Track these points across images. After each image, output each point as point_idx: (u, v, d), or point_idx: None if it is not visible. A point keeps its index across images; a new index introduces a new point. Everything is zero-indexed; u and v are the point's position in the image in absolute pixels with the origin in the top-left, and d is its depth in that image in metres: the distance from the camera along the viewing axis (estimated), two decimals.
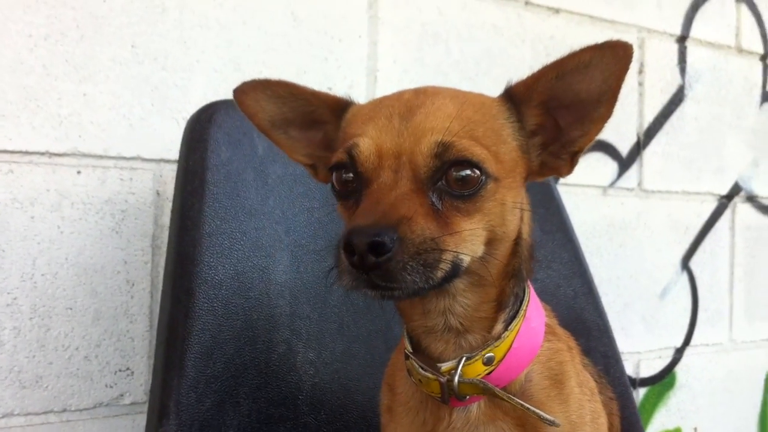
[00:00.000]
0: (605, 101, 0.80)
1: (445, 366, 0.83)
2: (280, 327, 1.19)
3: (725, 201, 2.33)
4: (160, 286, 1.35)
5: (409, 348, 0.87)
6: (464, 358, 0.83)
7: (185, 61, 1.46)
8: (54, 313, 1.36)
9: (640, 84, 2.12)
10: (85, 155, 1.39)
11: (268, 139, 0.93)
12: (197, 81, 1.47)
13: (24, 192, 1.34)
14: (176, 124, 1.41)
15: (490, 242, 0.80)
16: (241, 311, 1.15)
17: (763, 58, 2.41)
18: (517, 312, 0.85)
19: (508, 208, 0.80)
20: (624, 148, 2.10)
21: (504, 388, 0.83)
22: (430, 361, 0.85)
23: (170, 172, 1.44)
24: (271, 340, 1.18)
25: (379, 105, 0.83)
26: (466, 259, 0.77)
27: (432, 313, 0.84)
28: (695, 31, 2.24)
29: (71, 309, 1.38)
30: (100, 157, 1.40)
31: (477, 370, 0.83)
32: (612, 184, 2.08)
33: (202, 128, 1.19)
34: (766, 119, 2.43)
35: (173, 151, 1.37)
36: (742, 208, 2.38)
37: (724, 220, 2.34)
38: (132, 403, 1.43)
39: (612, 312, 2.05)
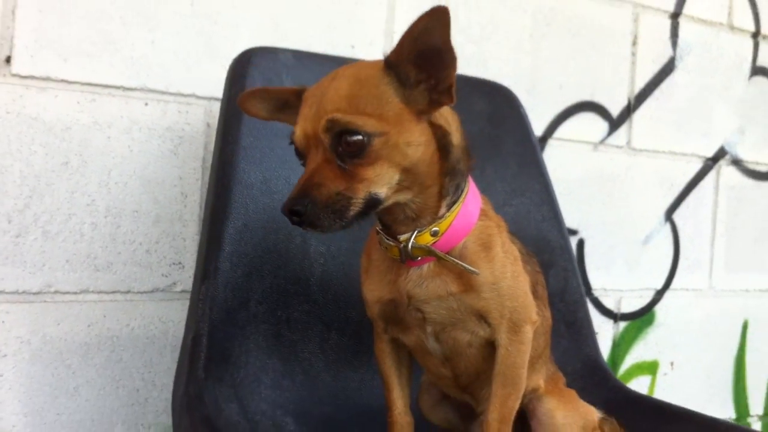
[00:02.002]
0: (446, 49, 1.04)
1: (403, 237, 1.14)
2: None
3: (710, 163, 2.58)
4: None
5: (380, 227, 1.19)
6: (416, 231, 1.13)
7: (233, 18, 1.78)
8: (123, 214, 1.69)
9: (633, 54, 2.39)
10: (151, 90, 1.71)
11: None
12: (242, 34, 1.79)
13: (103, 117, 1.67)
14: (223, 69, 1.67)
15: (406, 170, 1.08)
16: (268, 208, 1.49)
17: (754, 35, 2.64)
18: (457, 199, 1.15)
19: (404, 146, 1.07)
20: (615, 110, 2.37)
21: (447, 253, 1.14)
22: (394, 235, 1.16)
23: (218, 109, 1.73)
24: (290, 232, 1.52)
25: (309, 92, 1.11)
26: (382, 192, 1.06)
27: (396, 212, 1.14)
28: (688, 9, 2.48)
29: (137, 212, 1.71)
30: (163, 93, 1.73)
31: (426, 239, 1.13)
32: (602, 141, 2.35)
33: (242, 67, 1.53)
34: (755, 91, 2.67)
35: (221, 91, 1.65)
36: (726, 170, 2.63)
37: (709, 179, 2.58)
38: (182, 291, 1.76)
39: (597, 253, 2.35)
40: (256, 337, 1.45)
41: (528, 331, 1.18)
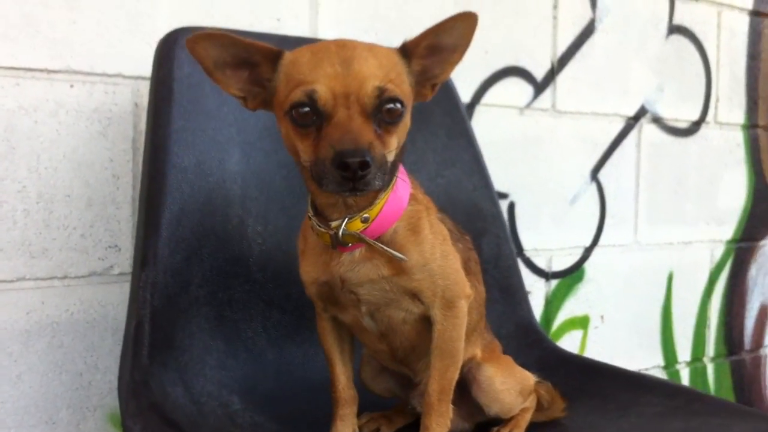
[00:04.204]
0: (459, 50, 1.16)
1: (334, 223, 1.16)
2: (233, 204, 1.54)
3: (632, 122, 2.66)
4: (139, 180, 1.68)
5: (311, 212, 1.21)
6: (347, 218, 1.16)
7: None
8: (55, 199, 1.67)
9: (555, 18, 2.43)
10: (75, 72, 1.68)
11: None
12: (164, 11, 1.76)
13: (28, 101, 1.63)
14: (148, 47, 1.67)
15: (397, 147, 1.13)
16: (203, 191, 1.49)
17: None
18: (388, 185, 1.17)
19: (406, 125, 1.14)
20: (539, 74, 2.42)
21: (378, 239, 1.17)
22: (326, 221, 1.18)
23: (145, 88, 1.72)
24: (227, 214, 1.53)
25: (316, 54, 1.10)
26: (390, 161, 1.10)
27: (337, 196, 1.15)
28: None
29: (69, 196, 1.68)
30: (88, 74, 1.69)
31: (357, 226, 1.16)
32: (528, 105, 2.40)
33: (169, 48, 1.51)
34: (671, 49, 2.75)
35: (147, 69, 1.64)
36: (647, 128, 2.71)
37: (631, 138, 2.66)
38: (120, 273, 1.75)
39: (525, 214, 2.42)
40: (199, 320, 1.47)
41: (462, 306, 1.23)
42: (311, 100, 1.06)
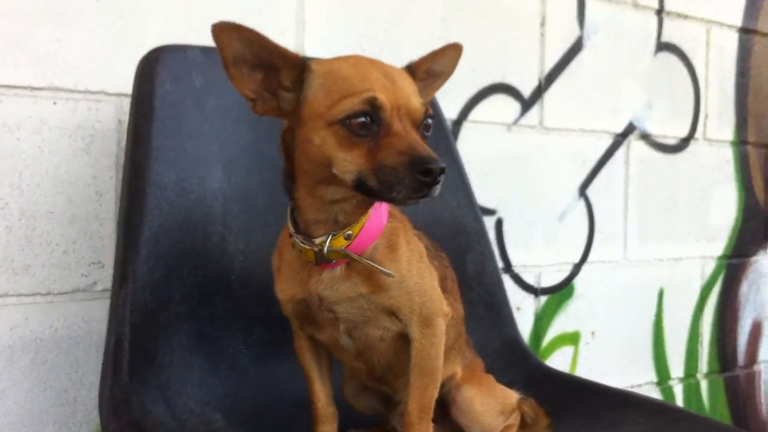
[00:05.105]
0: (444, 77, 1.27)
1: (318, 240, 1.16)
2: (214, 222, 1.54)
3: (620, 138, 2.67)
4: None
5: (292, 229, 1.21)
6: (331, 235, 1.16)
7: (141, 12, 1.76)
8: (38, 216, 1.66)
9: (542, 35, 2.44)
10: (59, 89, 1.68)
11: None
12: (151, 29, 1.76)
13: (11, 118, 1.63)
14: (133, 64, 1.64)
15: None
16: (183, 208, 1.49)
17: (658, 12, 2.73)
18: None
19: None
20: (526, 91, 2.42)
21: (359, 255, 1.17)
22: (307, 238, 1.18)
23: (129, 105, 1.71)
24: (208, 231, 1.53)
25: (356, 66, 1.11)
26: None
27: (331, 211, 1.17)
28: None
29: (52, 213, 1.68)
30: (71, 91, 1.69)
31: (340, 243, 1.16)
32: (515, 122, 2.41)
33: (150, 66, 1.52)
34: (660, 66, 2.76)
35: (131, 87, 1.62)
36: (636, 145, 2.72)
37: (620, 154, 2.67)
38: (103, 290, 1.74)
39: (514, 231, 2.42)
40: (180, 336, 1.46)
41: (440, 324, 1.22)
42: (373, 107, 1.07)
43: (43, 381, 1.71)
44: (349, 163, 1.08)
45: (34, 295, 1.68)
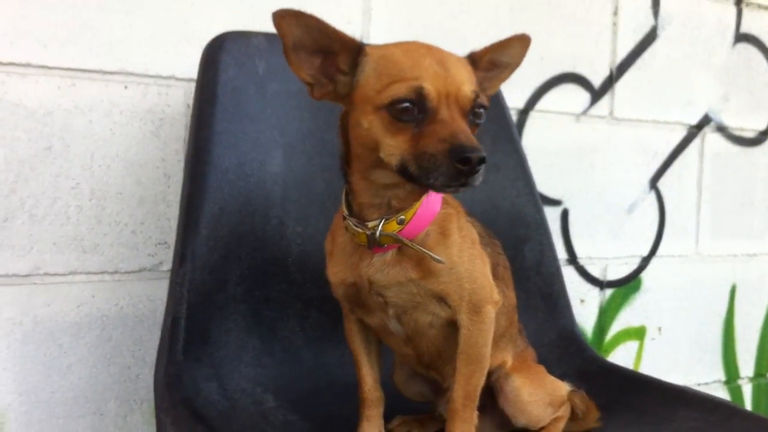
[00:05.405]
0: (510, 68, 1.25)
1: (371, 224, 1.17)
2: (273, 206, 1.57)
3: (695, 130, 2.60)
4: None
5: (346, 212, 1.22)
6: (384, 219, 1.17)
7: (210, 0, 1.82)
8: (108, 196, 1.73)
9: (614, 24, 2.39)
10: (130, 74, 1.73)
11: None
12: (219, 15, 1.80)
13: (84, 101, 1.69)
14: (201, 50, 1.70)
15: None
16: (243, 191, 1.52)
17: (737, 2, 2.64)
18: None
19: None
20: (597, 81, 2.38)
21: (411, 240, 1.18)
22: (361, 221, 1.20)
23: None
24: (267, 215, 1.56)
25: (410, 53, 1.12)
26: None
27: (384, 196, 1.18)
28: None
29: (121, 194, 1.74)
30: (142, 75, 1.75)
31: (392, 227, 1.17)
32: (584, 112, 2.37)
33: (214, 52, 1.55)
34: (738, 58, 2.67)
35: None
36: (711, 137, 2.64)
37: (693, 147, 2.60)
38: (168, 270, 1.76)
39: (581, 222, 2.38)
40: (235, 317, 1.50)
41: (489, 312, 1.22)
42: (419, 96, 1.08)
43: (107, 358, 1.78)
44: (393, 147, 1.08)
45: (101, 273, 1.75)
